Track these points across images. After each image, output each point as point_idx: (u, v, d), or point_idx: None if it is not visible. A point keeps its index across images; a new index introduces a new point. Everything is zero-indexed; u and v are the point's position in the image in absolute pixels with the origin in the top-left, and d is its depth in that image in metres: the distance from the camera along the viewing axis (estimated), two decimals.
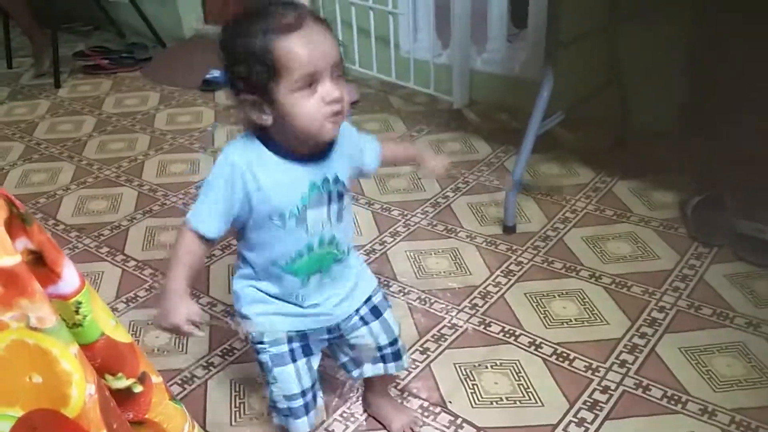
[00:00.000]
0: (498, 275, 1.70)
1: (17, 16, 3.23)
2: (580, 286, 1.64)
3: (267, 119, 0.95)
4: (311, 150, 1.00)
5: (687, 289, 1.60)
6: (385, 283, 1.69)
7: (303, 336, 1.13)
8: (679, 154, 2.03)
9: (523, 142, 1.82)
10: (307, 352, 1.14)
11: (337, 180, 1.04)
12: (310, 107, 0.92)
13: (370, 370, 1.22)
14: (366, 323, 1.17)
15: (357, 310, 1.16)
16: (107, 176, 2.29)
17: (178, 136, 2.52)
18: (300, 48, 0.90)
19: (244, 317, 1.11)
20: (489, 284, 1.67)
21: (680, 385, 1.35)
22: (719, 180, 1.83)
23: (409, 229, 1.91)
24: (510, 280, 1.68)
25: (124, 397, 0.73)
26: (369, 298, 1.17)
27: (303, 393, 1.14)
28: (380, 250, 1.82)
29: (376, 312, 1.18)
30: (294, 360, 1.12)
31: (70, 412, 0.62)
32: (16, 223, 0.60)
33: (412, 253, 1.80)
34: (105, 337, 0.70)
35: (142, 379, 0.75)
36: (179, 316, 0.97)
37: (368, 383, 1.32)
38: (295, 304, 1.10)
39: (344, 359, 1.22)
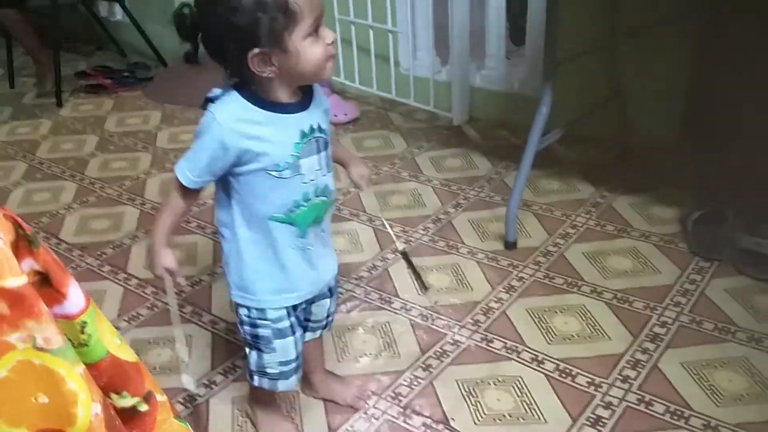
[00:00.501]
0: (500, 291, 1.70)
1: (20, 37, 3.26)
2: (582, 301, 1.64)
3: (272, 71, 1.00)
4: (296, 100, 1.07)
5: (688, 303, 1.61)
6: (387, 299, 1.70)
7: (295, 307, 1.21)
8: (680, 169, 2.04)
9: (522, 158, 1.83)
10: (299, 322, 1.24)
11: (320, 128, 1.10)
12: (318, 50, 1.01)
13: (309, 335, 1.32)
14: (331, 295, 1.30)
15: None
16: (110, 195, 2.30)
17: (180, 155, 2.52)
18: None
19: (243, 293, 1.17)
20: (491, 300, 1.67)
21: (683, 400, 1.35)
22: (720, 195, 1.84)
23: (410, 245, 1.91)
24: (512, 295, 1.68)
25: (129, 415, 0.74)
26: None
27: (297, 357, 1.23)
28: (382, 267, 1.82)
29: (336, 286, 1.32)
30: (293, 332, 1.21)
31: None
32: (23, 245, 0.61)
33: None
34: (110, 356, 0.71)
35: (147, 397, 0.76)
36: (159, 268, 1.10)
37: (309, 366, 1.38)
38: (294, 267, 1.16)
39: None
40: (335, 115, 2.70)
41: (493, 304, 1.66)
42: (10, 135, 2.88)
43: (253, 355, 1.22)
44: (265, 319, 1.18)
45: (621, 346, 1.50)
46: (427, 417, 1.36)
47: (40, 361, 0.61)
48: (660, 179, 2.08)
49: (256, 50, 0.98)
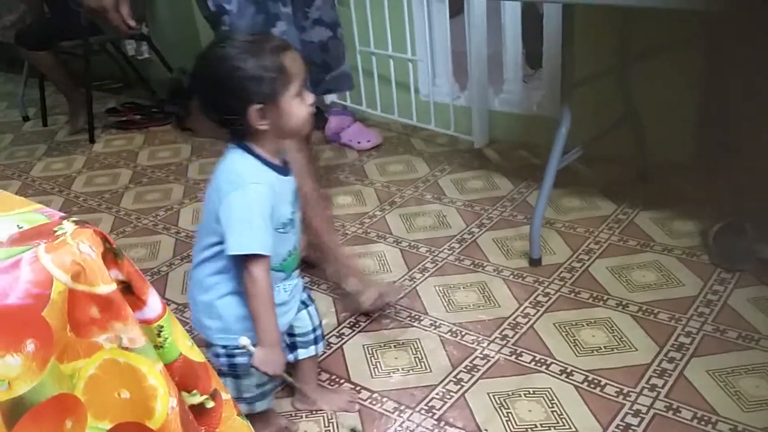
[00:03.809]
0: (526, 306, 1.75)
1: (53, 77, 3.39)
2: (608, 314, 1.68)
3: (265, 124, 1.14)
4: (283, 163, 1.22)
5: (712, 313, 1.64)
6: (417, 317, 1.75)
7: None
8: (698, 184, 2.08)
9: (544, 177, 1.89)
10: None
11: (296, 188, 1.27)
12: (303, 109, 1.16)
13: (303, 353, 1.41)
14: (306, 306, 1.38)
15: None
16: (145, 225, 2.39)
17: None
18: (298, 61, 1.15)
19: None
20: (518, 315, 1.72)
21: (710, 407, 1.38)
22: (738, 207, 1.88)
23: (436, 264, 1.97)
24: (538, 310, 1.73)
25: (197, 412, 0.80)
26: (303, 287, 1.39)
27: (272, 377, 1.28)
28: (410, 286, 1.88)
29: (309, 299, 1.41)
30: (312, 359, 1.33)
31: (153, 424, 0.69)
32: (109, 257, 0.68)
33: (441, 288, 1.86)
34: (182, 357, 0.78)
35: (214, 395, 0.82)
36: (281, 367, 1.20)
37: (304, 379, 1.46)
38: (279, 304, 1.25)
39: (282, 345, 1.34)
40: (359, 142, 2.78)
41: (520, 320, 1.70)
42: (46, 171, 2.99)
43: (228, 384, 1.26)
44: (242, 348, 1.22)
45: (647, 356, 1.54)
46: (461, 428, 1.40)
47: (125, 359, 0.68)
48: (679, 195, 2.12)
49: (256, 105, 1.11)
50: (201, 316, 1.26)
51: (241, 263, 1.16)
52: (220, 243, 1.18)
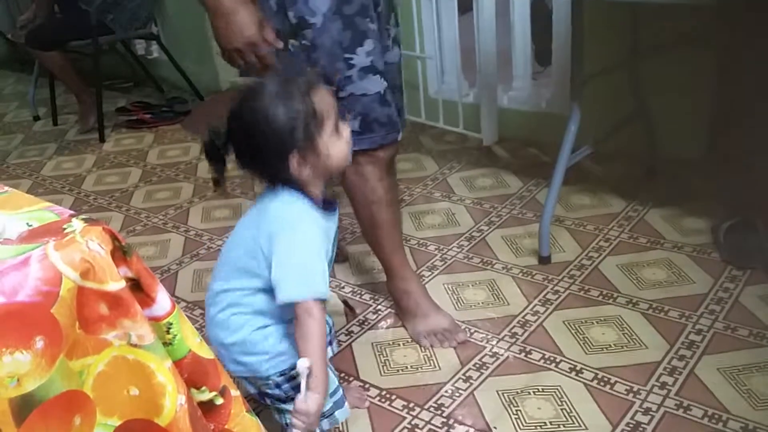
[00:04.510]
0: (536, 304, 1.74)
1: (64, 77, 3.41)
2: (618, 312, 1.68)
3: (307, 170, 1.08)
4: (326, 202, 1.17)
5: (723, 311, 1.63)
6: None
7: None
8: (709, 181, 2.07)
9: (553, 175, 1.88)
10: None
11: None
12: (342, 145, 1.11)
13: None
14: None
15: None
16: (155, 224, 2.40)
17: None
18: (327, 97, 1.10)
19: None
20: (527, 313, 1.72)
21: (720, 405, 1.38)
22: (749, 204, 1.87)
23: (445, 262, 1.96)
24: (548, 308, 1.72)
25: (206, 408, 0.81)
26: None
27: (337, 380, 1.25)
28: None
29: None
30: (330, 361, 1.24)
31: (162, 421, 0.69)
32: (118, 255, 0.69)
33: (450, 286, 1.85)
34: (191, 353, 0.78)
35: (223, 392, 0.82)
36: (316, 423, 1.08)
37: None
38: None
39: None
40: None
41: (529, 317, 1.70)
42: (56, 170, 3.01)
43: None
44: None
45: (658, 354, 1.53)
46: (469, 426, 1.40)
47: (134, 356, 0.68)
48: (690, 192, 2.11)
49: (294, 153, 1.06)
50: (238, 357, 1.16)
51: (291, 306, 1.10)
52: (259, 288, 1.12)
